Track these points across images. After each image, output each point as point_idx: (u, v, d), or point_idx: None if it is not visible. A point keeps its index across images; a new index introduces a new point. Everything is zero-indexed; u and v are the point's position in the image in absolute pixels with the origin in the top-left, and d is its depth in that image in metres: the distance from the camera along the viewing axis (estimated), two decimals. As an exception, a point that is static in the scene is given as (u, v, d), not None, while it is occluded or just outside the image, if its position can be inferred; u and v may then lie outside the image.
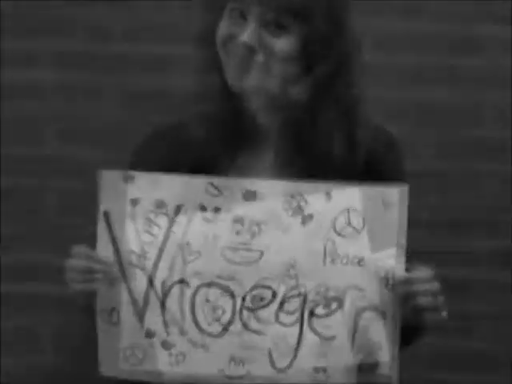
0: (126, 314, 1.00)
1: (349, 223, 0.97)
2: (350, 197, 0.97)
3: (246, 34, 1.00)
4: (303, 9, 1.01)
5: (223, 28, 1.04)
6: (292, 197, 0.97)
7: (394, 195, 0.97)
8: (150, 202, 0.99)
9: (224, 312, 0.99)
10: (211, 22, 1.06)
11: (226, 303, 0.99)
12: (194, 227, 0.98)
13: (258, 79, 1.01)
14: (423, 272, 0.98)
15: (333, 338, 0.99)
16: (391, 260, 0.97)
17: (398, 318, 0.98)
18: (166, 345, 1.00)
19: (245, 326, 0.99)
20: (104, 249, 0.99)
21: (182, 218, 0.99)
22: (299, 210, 0.97)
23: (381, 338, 0.99)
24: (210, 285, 0.99)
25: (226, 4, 1.03)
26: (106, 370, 1.02)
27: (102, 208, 0.99)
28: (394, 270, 0.97)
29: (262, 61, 1.01)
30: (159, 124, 1.16)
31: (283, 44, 1.01)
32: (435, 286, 0.97)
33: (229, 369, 1.00)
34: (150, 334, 1.01)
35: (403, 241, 0.98)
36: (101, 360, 1.02)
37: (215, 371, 1.00)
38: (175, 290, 0.99)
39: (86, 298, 1.01)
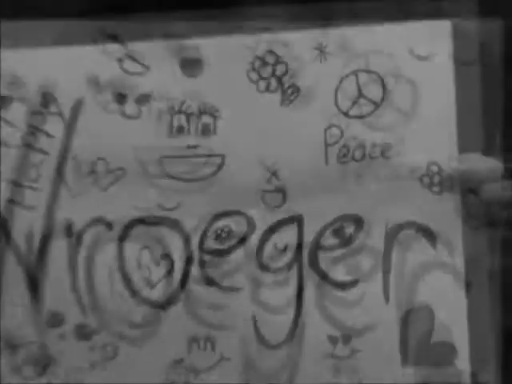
0: (11, 286, 0.60)
1: (361, 94, 0.59)
2: (359, 47, 0.59)
3: None
4: None
5: None
6: (261, 60, 0.59)
7: (438, 36, 0.59)
8: (31, 101, 0.59)
9: (173, 260, 0.60)
10: None
11: (174, 245, 0.59)
12: (108, 131, 0.59)
13: None
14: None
15: (354, 282, 0.60)
16: (438, 148, 0.59)
17: (463, 243, 0.60)
18: (81, 333, 0.60)
19: (208, 281, 0.59)
20: None
21: (86, 119, 0.59)
22: (276, 79, 0.58)
23: (435, 283, 0.60)
24: (145, 221, 0.59)
25: None
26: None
27: None
28: (439, 162, 0.59)
29: None
30: None
31: None
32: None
33: (189, 357, 0.60)
34: (54, 320, 0.60)
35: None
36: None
37: (169, 363, 0.61)
38: (90, 235, 0.59)
39: None
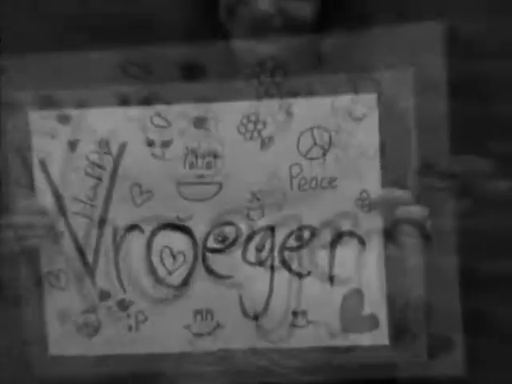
0: (75, 274, 0.88)
1: (315, 143, 0.86)
2: (313, 112, 0.86)
3: (263, 2, 0.91)
4: None
5: None
6: (248, 119, 0.86)
7: (366, 104, 0.86)
8: (90, 143, 0.87)
9: (185, 255, 0.87)
10: None
11: (186, 245, 0.87)
12: (142, 165, 0.87)
13: (275, 46, 0.92)
14: (406, 192, 0.86)
15: (309, 272, 0.87)
16: (367, 178, 0.86)
17: (380, 245, 0.86)
18: (122, 305, 0.88)
19: (209, 269, 0.87)
20: (43, 200, 0.87)
21: (127, 156, 0.87)
22: (256, 132, 0.86)
23: (364, 272, 0.87)
24: (166, 227, 0.87)
25: None
26: (55, 349, 0.90)
27: (37, 156, 0.88)
28: (368, 189, 0.85)
29: (279, 25, 0.92)
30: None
31: (303, 7, 0.93)
32: (419, 210, 0.86)
33: (195, 324, 0.87)
34: (103, 295, 0.88)
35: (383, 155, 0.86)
36: (50, 339, 0.90)
37: (180, 329, 0.88)
38: (128, 239, 0.87)
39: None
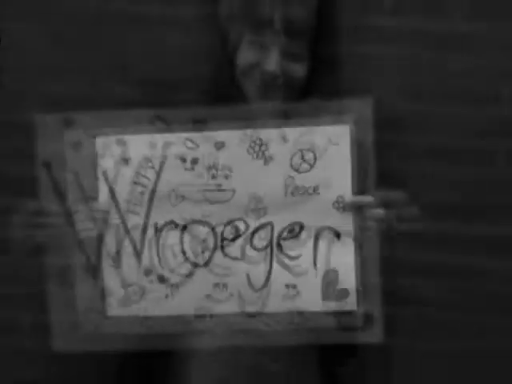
0: (127, 256, 1.20)
1: (303, 160, 1.17)
2: (302, 138, 1.17)
3: (272, 64, 1.21)
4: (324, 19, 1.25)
5: (244, 58, 1.24)
6: (254, 142, 1.18)
7: (341, 133, 1.17)
8: (139, 160, 1.19)
9: (207, 244, 1.19)
10: (230, 51, 1.27)
11: (208, 236, 1.19)
12: (177, 177, 1.18)
13: (277, 97, 1.24)
14: (370, 198, 1.16)
15: (299, 256, 1.18)
16: (342, 187, 1.16)
17: (354, 237, 1.16)
18: (161, 279, 1.20)
19: (225, 253, 1.19)
20: (104, 202, 1.20)
21: (166, 170, 1.19)
22: (261, 152, 1.18)
23: (341, 260, 1.17)
24: (194, 222, 1.19)
25: (243, 37, 1.24)
26: (112, 311, 1.21)
27: (100, 170, 1.20)
28: (344, 194, 1.16)
29: (281, 83, 1.23)
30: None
31: (300, 69, 1.25)
32: (379, 212, 1.15)
33: (214, 294, 1.19)
34: (147, 271, 1.20)
35: (353, 170, 1.16)
36: (107, 302, 1.21)
37: (203, 297, 1.19)
38: (166, 230, 1.19)
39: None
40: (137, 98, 1.41)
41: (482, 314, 1.83)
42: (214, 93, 1.31)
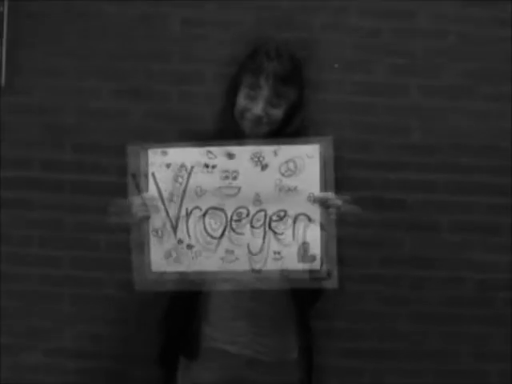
0: (166, 230, 1.74)
1: (288, 168, 1.72)
2: (287, 152, 1.72)
3: (258, 109, 1.78)
4: (295, 78, 1.84)
5: (240, 104, 1.81)
6: (255, 155, 1.73)
7: (313, 150, 1.70)
8: (176, 165, 1.73)
9: (221, 223, 1.73)
10: (230, 98, 1.87)
11: (222, 218, 1.73)
12: (201, 177, 1.72)
13: (262, 131, 1.82)
14: (333, 195, 1.71)
15: (283, 232, 1.72)
16: (313, 187, 1.71)
17: (320, 220, 1.71)
18: (189, 247, 1.75)
19: (233, 230, 1.73)
20: (153, 194, 1.74)
21: (194, 173, 1.73)
22: (259, 162, 1.72)
23: (311, 235, 1.72)
24: (212, 208, 1.73)
25: (240, 85, 1.84)
26: (155, 267, 1.74)
27: (151, 171, 1.74)
28: (314, 192, 1.72)
29: (265, 121, 1.82)
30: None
31: (278, 112, 1.83)
32: (339, 202, 1.71)
33: (224, 256, 1.73)
34: (180, 241, 1.74)
35: (320, 176, 1.71)
36: (152, 261, 1.74)
37: (218, 259, 1.73)
38: (193, 213, 1.73)
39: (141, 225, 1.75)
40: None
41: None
42: (221, 126, 1.89)
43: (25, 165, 2.55)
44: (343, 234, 1.72)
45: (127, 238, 1.74)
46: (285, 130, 1.83)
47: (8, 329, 2.55)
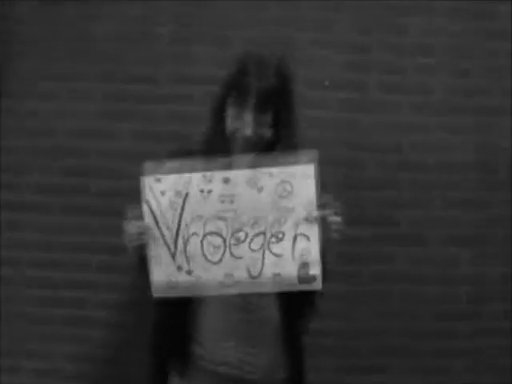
0: (165, 257, 1.72)
1: (284, 189, 1.71)
2: (282, 174, 1.71)
3: (248, 130, 1.75)
4: (281, 94, 1.81)
5: (231, 125, 1.78)
6: (250, 178, 1.71)
7: (309, 170, 1.69)
8: (171, 192, 1.71)
9: (220, 248, 1.72)
10: (218, 117, 1.83)
11: (220, 243, 1.72)
12: (197, 203, 1.71)
13: (252, 150, 1.77)
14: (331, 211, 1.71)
15: (281, 255, 1.72)
16: (310, 206, 1.70)
17: (319, 240, 1.70)
18: (188, 272, 1.73)
19: (232, 254, 1.72)
20: (149, 221, 1.72)
21: (190, 198, 1.71)
22: (255, 184, 1.71)
23: (311, 256, 1.71)
24: (210, 233, 1.72)
25: (227, 104, 1.80)
26: (156, 292, 1.72)
27: (145, 199, 1.72)
28: (311, 211, 1.70)
29: (254, 140, 1.77)
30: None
31: (267, 132, 1.80)
32: (337, 219, 1.70)
33: (224, 280, 1.71)
34: (179, 267, 1.73)
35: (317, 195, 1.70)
36: (154, 287, 1.72)
37: (217, 283, 1.72)
38: (191, 239, 1.72)
39: (138, 250, 1.73)
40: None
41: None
42: (210, 145, 1.86)
43: (15, 188, 2.56)
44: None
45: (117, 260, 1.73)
46: (275, 148, 1.81)
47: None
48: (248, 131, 1.77)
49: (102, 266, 2.56)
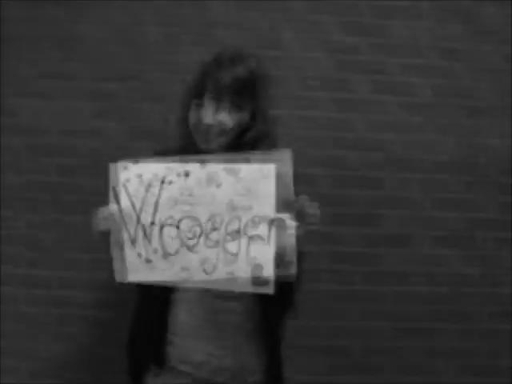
0: (140, 240, 1.68)
1: (242, 187, 1.67)
2: (242, 172, 1.67)
3: (208, 118, 1.73)
4: (249, 86, 1.77)
5: (192, 117, 1.76)
6: (209, 174, 1.66)
7: (268, 171, 1.66)
8: (147, 177, 1.67)
9: (176, 240, 1.68)
10: (185, 113, 1.80)
11: (177, 235, 1.67)
12: (159, 192, 1.67)
13: (216, 143, 1.76)
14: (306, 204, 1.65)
15: (236, 254, 1.68)
16: (268, 207, 1.66)
17: (275, 242, 1.66)
18: (147, 261, 1.69)
19: (187, 247, 1.67)
20: (125, 205, 1.68)
21: (152, 188, 1.68)
22: (214, 180, 1.67)
23: (264, 257, 1.66)
24: (168, 225, 1.67)
25: (191, 102, 1.79)
26: (119, 278, 1.69)
27: (122, 183, 1.67)
28: (268, 212, 1.66)
29: (216, 131, 1.74)
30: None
31: (229, 120, 1.76)
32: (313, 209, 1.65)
33: (180, 273, 1.67)
34: (139, 254, 1.69)
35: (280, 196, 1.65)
36: (116, 273, 1.69)
37: (173, 274, 1.68)
38: (151, 228, 1.68)
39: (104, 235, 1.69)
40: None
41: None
42: (182, 143, 1.87)
43: (7, 185, 2.62)
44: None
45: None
46: (241, 142, 1.79)
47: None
48: (208, 118, 1.75)
49: (96, 265, 2.58)
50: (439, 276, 2.63)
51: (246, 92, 1.77)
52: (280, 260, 1.66)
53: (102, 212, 1.69)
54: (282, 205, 1.68)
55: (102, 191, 1.73)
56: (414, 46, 2.58)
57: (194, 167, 1.69)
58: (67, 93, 2.60)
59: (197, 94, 1.78)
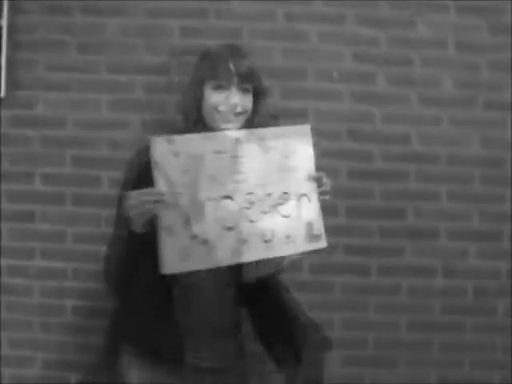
0: (179, 227, 1.58)
1: (287, 149, 1.73)
2: (284, 133, 1.74)
3: (235, 98, 1.77)
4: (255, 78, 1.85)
5: (214, 98, 1.77)
6: (259, 137, 1.70)
7: (305, 129, 1.75)
8: (185, 154, 1.60)
9: (233, 212, 1.64)
10: (194, 96, 1.82)
11: (233, 207, 1.64)
12: (210, 164, 1.62)
13: (237, 122, 1.78)
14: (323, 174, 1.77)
15: (289, 216, 1.71)
16: (309, 165, 1.75)
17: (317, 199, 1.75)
18: (204, 242, 1.61)
19: (246, 218, 1.65)
20: (162, 186, 1.57)
21: (203, 160, 1.61)
22: (264, 144, 1.70)
23: (313, 215, 1.73)
24: (224, 197, 1.63)
25: (204, 84, 1.82)
26: (166, 269, 1.55)
27: (157, 161, 1.56)
28: (310, 170, 1.75)
29: (240, 111, 1.77)
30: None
31: (249, 101, 1.83)
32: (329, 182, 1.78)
33: (238, 246, 1.63)
34: (193, 237, 1.59)
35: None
36: (164, 263, 1.55)
37: (230, 251, 1.63)
38: (206, 205, 1.61)
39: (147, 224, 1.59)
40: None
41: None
42: (190, 124, 1.86)
43: (26, 178, 2.58)
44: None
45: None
46: (253, 121, 1.84)
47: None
48: (235, 98, 1.78)
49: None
50: (457, 270, 2.63)
51: (254, 79, 1.84)
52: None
53: (145, 195, 1.57)
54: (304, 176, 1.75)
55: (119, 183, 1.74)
56: (434, 39, 2.58)
57: (243, 133, 1.70)
58: (83, 84, 2.58)
59: (212, 76, 1.80)
